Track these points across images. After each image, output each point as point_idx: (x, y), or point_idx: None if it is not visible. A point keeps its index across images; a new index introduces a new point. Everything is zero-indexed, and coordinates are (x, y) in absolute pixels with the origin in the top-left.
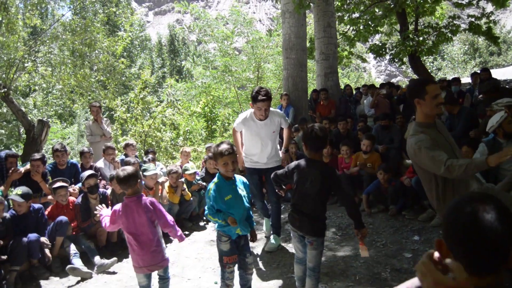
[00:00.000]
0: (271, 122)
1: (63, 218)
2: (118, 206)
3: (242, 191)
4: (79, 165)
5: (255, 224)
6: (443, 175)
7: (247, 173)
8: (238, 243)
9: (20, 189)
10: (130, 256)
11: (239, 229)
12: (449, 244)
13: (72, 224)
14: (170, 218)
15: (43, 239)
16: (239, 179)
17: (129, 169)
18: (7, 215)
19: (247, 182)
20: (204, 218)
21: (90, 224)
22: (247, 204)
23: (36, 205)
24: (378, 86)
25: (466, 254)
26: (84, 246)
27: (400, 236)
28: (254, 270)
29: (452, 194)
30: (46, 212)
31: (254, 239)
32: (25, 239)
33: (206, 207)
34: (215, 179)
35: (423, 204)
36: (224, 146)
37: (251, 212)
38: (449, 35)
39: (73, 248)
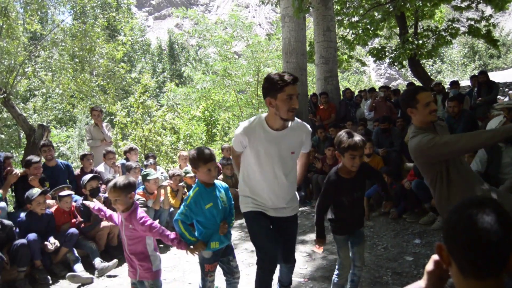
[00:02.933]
0: (293, 135)
1: (74, 231)
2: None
3: (223, 198)
4: (72, 166)
5: (232, 226)
6: (463, 150)
7: (246, 218)
8: (220, 249)
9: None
10: (157, 260)
11: (217, 243)
12: (450, 248)
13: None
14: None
15: (49, 244)
16: (219, 184)
17: (128, 179)
18: (9, 223)
19: (227, 186)
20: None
21: (91, 225)
22: (227, 211)
23: (48, 210)
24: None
25: (466, 257)
26: (86, 247)
27: (401, 240)
28: (240, 274)
29: (457, 193)
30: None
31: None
32: (25, 240)
33: (178, 211)
34: (195, 187)
35: (424, 207)
36: (204, 152)
37: (233, 214)
38: (449, 38)
39: (74, 254)
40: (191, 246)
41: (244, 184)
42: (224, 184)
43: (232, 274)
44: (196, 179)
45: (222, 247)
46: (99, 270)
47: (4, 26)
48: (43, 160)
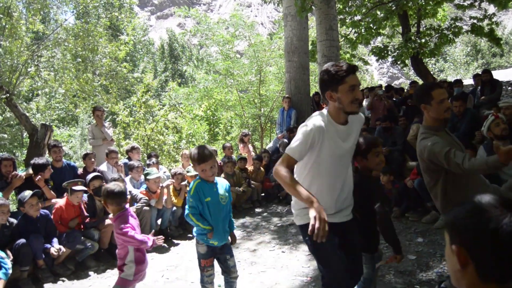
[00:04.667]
0: (354, 127)
1: (77, 232)
2: (120, 225)
3: (223, 196)
4: (77, 167)
5: (235, 228)
6: (464, 172)
7: (305, 230)
8: (216, 246)
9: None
10: (129, 271)
11: (216, 241)
12: (471, 250)
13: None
14: None
15: (53, 250)
16: (222, 183)
17: (121, 184)
18: (14, 220)
19: (229, 185)
20: None
21: (96, 221)
22: (228, 210)
23: (43, 211)
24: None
25: (491, 260)
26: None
27: (404, 238)
28: (238, 273)
29: (459, 194)
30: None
31: (233, 241)
32: (25, 240)
33: (187, 206)
34: (197, 179)
35: (426, 206)
36: (203, 152)
37: (231, 216)
38: (451, 36)
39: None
40: (207, 234)
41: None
42: (227, 183)
43: (229, 273)
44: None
45: (218, 246)
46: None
47: (7, 26)
48: (50, 159)
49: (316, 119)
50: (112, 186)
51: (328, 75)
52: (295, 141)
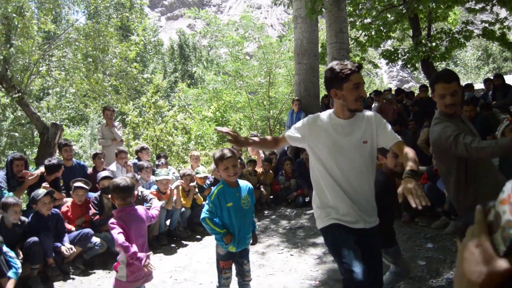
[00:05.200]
0: (361, 122)
1: (89, 231)
2: (114, 220)
3: (245, 200)
4: (87, 166)
5: (257, 228)
6: (471, 154)
7: (325, 234)
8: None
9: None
10: (122, 271)
11: (233, 247)
12: None
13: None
14: (151, 213)
15: (64, 248)
16: (245, 185)
17: (130, 179)
18: (25, 219)
19: (252, 188)
20: None
21: (104, 219)
22: (250, 215)
23: (54, 210)
24: (393, 92)
25: None
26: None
27: (413, 244)
28: (252, 277)
29: (474, 185)
30: (62, 210)
31: (254, 242)
32: (37, 238)
33: (204, 210)
34: (220, 185)
35: (436, 211)
36: (224, 151)
37: (253, 218)
38: (462, 40)
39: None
40: (222, 238)
41: (316, 195)
42: (249, 185)
43: (243, 276)
44: (222, 179)
45: (237, 251)
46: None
47: (19, 25)
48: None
49: (315, 114)
50: (119, 180)
51: (333, 73)
52: (292, 126)
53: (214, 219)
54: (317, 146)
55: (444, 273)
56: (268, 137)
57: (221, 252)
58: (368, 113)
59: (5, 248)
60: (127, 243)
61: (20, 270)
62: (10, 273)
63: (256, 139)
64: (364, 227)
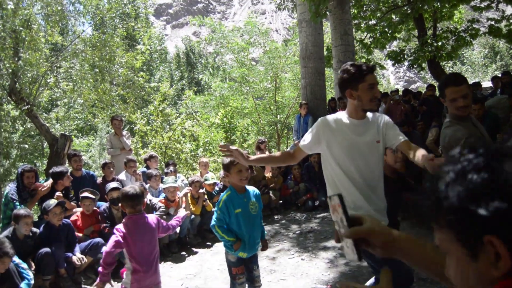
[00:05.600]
0: (373, 122)
1: (100, 240)
2: (121, 226)
3: (253, 205)
4: (96, 176)
5: (266, 233)
6: None
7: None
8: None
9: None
10: (126, 278)
11: (243, 253)
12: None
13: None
14: (169, 222)
15: (75, 258)
16: (252, 191)
17: (138, 187)
18: (36, 230)
19: (259, 193)
20: None
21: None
22: (258, 220)
23: (65, 220)
24: (401, 93)
25: None
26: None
27: None
28: (261, 282)
29: None
30: (72, 219)
31: (265, 248)
32: (49, 249)
33: (214, 217)
34: (227, 191)
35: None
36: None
37: (262, 223)
38: (469, 39)
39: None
40: (233, 245)
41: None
42: (256, 190)
43: (253, 282)
44: (229, 185)
45: (247, 257)
46: None
47: (27, 38)
48: (69, 169)
49: (326, 116)
50: (127, 188)
51: (348, 74)
52: (306, 134)
53: (224, 226)
54: (333, 148)
55: None
56: (277, 154)
57: (232, 259)
58: (377, 114)
59: (17, 260)
60: (108, 252)
61: (32, 282)
62: (22, 285)
63: (263, 155)
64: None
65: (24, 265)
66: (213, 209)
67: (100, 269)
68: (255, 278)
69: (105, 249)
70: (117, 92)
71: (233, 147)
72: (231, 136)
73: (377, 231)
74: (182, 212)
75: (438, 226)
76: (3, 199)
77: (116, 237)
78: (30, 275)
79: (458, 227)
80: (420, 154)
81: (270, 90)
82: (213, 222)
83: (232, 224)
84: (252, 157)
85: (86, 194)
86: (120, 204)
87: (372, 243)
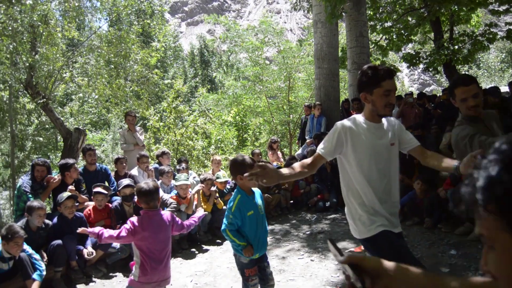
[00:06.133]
0: (388, 126)
1: None
2: (135, 219)
3: (260, 206)
4: (109, 170)
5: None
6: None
7: (374, 242)
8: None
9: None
10: (135, 271)
11: (257, 254)
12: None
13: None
14: (184, 222)
15: (86, 252)
16: (257, 191)
17: (153, 183)
18: (49, 222)
19: (260, 192)
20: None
21: None
22: (265, 219)
23: (77, 213)
24: (415, 96)
25: None
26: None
27: (437, 250)
28: (274, 281)
29: None
30: (84, 213)
31: None
32: (61, 241)
33: (225, 221)
34: (237, 195)
35: (460, 217)
36: (244, 157)
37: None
38: (486, 43)
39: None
40: (243, 250)
41: (354, 203)
42: (259, 190)
43: (266, 281)
44: (237, 187)
45: (259, 256)
46: None
47: (44, 33)
48: (83, 163)
49: (344, 120)
50: (142, 184)
51: (366, 77)
52: (323, 141)
53: (235, 230)
54: (354, 151)
55: None
56: (296, 167)
57: (244, 261)
58: (389, 118)
59: (30, 250)
60: (112, 237)
61: (44, 273)
62: (34, 275)
63: (286, 172)
64: (400, 230)
65: (37, 256)
66: (224, 207)
67: (97, 232)
68: (268, 276)
69: (112, 233)
70: (131, 88)
71: (263, 165)
72: (243, 134)
73: (369, 258)
74: (200, 212)
75: (486, 213)
76: (16, 191)
77: (125, 228)
78: (42, 266)
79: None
80: (446, 159)
81: (284, 89)
82: (223, 226)
83: (245, 227)
84: (285, 172)
85: (98, 189)
86: (136, 200)
87: (364, 270)
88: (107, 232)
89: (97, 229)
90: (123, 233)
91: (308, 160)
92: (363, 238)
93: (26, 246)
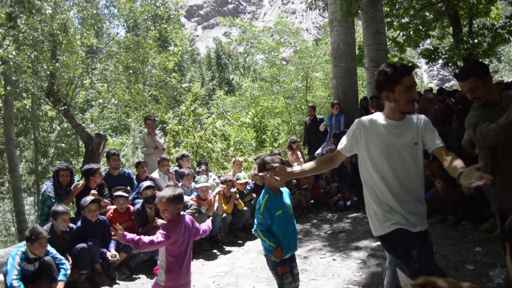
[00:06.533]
0: (410, 125)
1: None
2: (166, 224)
3: (289, 205)
4: (132, 174)
5: (297, 232)
6: (485, 141)
7: (386, 240)
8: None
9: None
10: (160, 276)
11: (288, 254)
12: None
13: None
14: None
15: (109, 254)
16: (285, 190)
17: (171, 191)
18: (73, 226)
19: (289, 191)
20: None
21: (145, 231)
22: (293, 218)
23: (101, 217)
24: (435, 91)
25: None
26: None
27: (461, 248)
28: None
29: (501, 175)
30: (107, 216)
31: None
32: (85, 245)
33: (256, 221)
34: (265, 195)
35: (484, 213)
36: (271, 156)
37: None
38: (506, 36)
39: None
40: (273, 252)
41: (370, 200)
42: (287, 190)
43: (294, 281)
44: (265, 187)
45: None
46: None
47: (64, 42)
48: (105, 168)
49: (363, 117)
50: (163, 192)
51: (385, 76)
52: (343, 137)
53: (265, 230)
54: (370, 149)
55: (494, 277)
56: (313, 163)
57: (276, 260)
58: (417, 115)
59: (53, 251)
60: (152, 243)
61: (69, 272)
62: (60, 276)
63: (305, 167)
64: (421, 229)
65: (60, 256)
66: (245, 208)
67: (133, 238)
68: (295, 276)
69: (150, 238)
70: (150, 93)
71: (276, 166)
72: (261, 135)
73: (445, 279)
74: (209, 221)
75: None
76: (40, 197)
77: (161, 233)
78: (66, 265)
79: None
80: (456, 164)
81: (301, 89)
82: (254, 227)
83: (274, 227)
84: (295, 170)
85: (119, 193)
86: (161, 210)
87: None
88: (147, 238)
89: (135, 236)
90: (161, 238)
91: (328, 155)
92: (377, 236)
93: (49, 247)
